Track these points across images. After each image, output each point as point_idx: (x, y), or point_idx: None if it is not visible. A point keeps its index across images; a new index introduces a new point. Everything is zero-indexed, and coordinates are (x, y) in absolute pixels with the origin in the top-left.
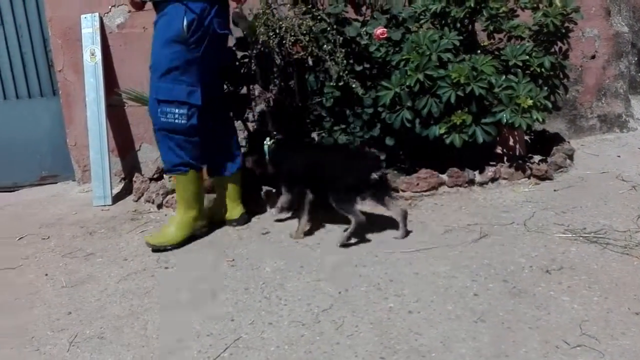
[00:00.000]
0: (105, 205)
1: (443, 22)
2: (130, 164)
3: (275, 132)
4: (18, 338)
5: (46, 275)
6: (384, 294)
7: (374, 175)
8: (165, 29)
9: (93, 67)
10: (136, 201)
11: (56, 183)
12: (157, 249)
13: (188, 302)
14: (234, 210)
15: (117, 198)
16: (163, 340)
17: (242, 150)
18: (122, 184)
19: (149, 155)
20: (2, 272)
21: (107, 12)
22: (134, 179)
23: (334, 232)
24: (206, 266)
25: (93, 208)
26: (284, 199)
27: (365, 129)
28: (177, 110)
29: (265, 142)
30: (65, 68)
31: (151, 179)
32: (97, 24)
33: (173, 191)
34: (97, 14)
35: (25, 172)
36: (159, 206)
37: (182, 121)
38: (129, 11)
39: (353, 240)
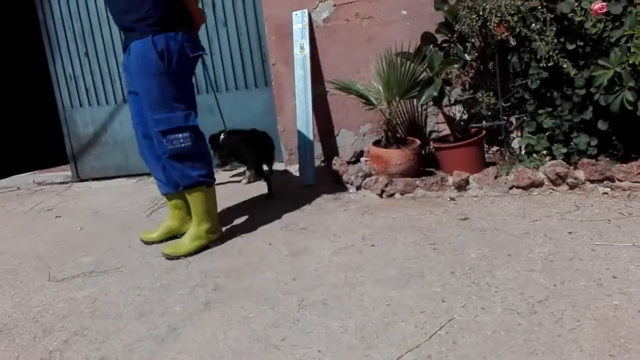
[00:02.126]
0: (309, 185)
1: None
2: (330, 148)
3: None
4: (255, 296)
5: (270, 244)
6: (607, 290)
7: (268, 144)
8: (142, 64)
9: (302, 59)
10: (337, 183)
11: None
12: (170, 258)
13: (397, 279)
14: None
15: (319, 179)
16: (379, 312)
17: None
18: (323, 166)
19: (347, 140)
20: (233, 240)
21: (315, 8)
22: (333, 161)
23: (541, 222)
24: (409, 247)
25: (300, 187)
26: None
27: (575, 112)
28: (180, 135)
29: (220, 135)
30: (278, 62)
31: (349, 162)
32: (306, 19)
33: (371, 174)
34: (306, 10)
35: None
36: (358, 187)
37: (189, 144)
38: (334, 5)
39: (567, 231)
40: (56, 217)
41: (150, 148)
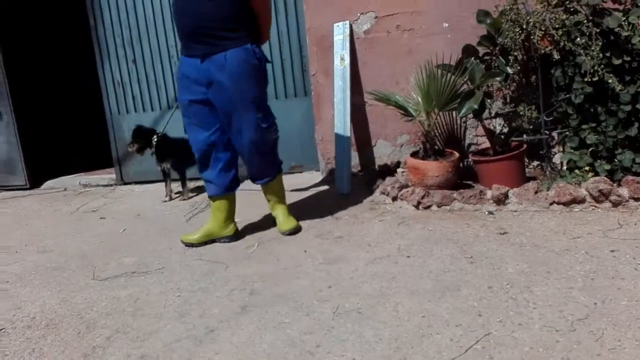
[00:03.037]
0: (345, 195)
1: None
2: (366, 158)
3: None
4: (291, 301)
5: (305, 251)
6: None
7: None
8: (246, 69)
9: (342, 70)
10: (372, 193)
11: (302, 172)
12: (292, 233)
13: (432, 291)
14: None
15: (355, 189)
16: (414, 323)
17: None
18: (359, 177)
19: (383, 151)
20: (269, 246)
21: (356, 20)
22: (370, 172)
23: (582, 239)
24: (445, 260)
25: (335, 196)
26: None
27: (619, 128)
28: (274, 126)
29: (153, 137)
30: (318, 72)
31: (386, 173)
32: (347, 31)
33: (407, 185)
34: (347, 22)
35: None
36: (394, 199)
37: (278, 135)
38: (375, 17)
39: (609, 250)
40: (101, 218)
41: (215, 152)
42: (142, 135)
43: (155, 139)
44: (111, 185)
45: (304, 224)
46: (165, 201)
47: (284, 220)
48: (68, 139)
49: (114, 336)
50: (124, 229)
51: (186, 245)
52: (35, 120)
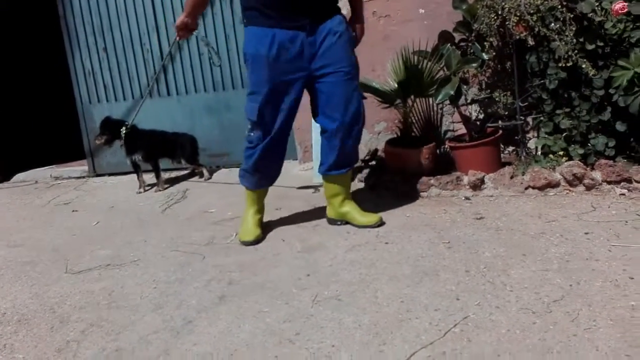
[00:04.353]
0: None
1: None
2: None
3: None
4: (269, 290)
5: (283, 240)
6: (624, 291)
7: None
8: (348, 33)
9: None
10: (351, 180)
11: None
12: (379, 225)
13: (411, 276)
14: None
15: None
16: (393, 308)
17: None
18: None
19: (362, 139)
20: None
21: None
22: None
23: (557, 222)
24: (423, 245)
25: (313, 184)
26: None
27: (593, 113)
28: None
29: (122, 129)
30: None
31: (363, 161)
32: None
33: (385, 172)
34: None
35: None
36: (372, 186)
37: None
38: None
39: (583, 232)
40: (73, 210)
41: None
42: (110, 127)
43: (124, 131)
44: (83, 177)
45: (281, 212)
46: (139, 192)
47: (363, 216)
48: (39, 130)
49: (89, 330)
50: (97, 221)
51: (247, 245)
52: (4, 111)
